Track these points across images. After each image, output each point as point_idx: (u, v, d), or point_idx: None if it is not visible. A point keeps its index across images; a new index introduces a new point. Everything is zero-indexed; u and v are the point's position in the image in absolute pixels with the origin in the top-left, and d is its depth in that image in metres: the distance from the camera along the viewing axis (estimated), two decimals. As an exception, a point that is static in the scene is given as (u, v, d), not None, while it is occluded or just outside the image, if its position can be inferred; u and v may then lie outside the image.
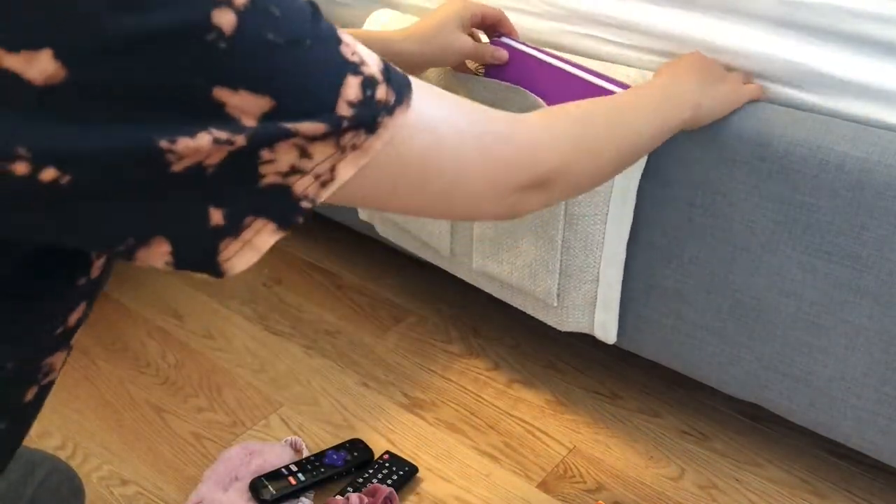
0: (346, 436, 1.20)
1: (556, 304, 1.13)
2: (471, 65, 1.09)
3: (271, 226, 0.51)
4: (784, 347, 0.99)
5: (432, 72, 1.12)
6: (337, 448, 1.16)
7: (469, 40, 0.99)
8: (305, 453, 1.17)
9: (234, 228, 0.50)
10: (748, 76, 0.95)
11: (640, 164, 0.99)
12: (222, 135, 0.46)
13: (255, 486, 1.09)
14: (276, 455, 1.15)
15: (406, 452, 1.17)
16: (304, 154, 0.49)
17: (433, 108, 0.57)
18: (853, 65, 0.90)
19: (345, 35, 0.52)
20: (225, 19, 0.44)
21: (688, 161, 0.97)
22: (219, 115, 0.46)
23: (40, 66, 0.42)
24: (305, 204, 0.52)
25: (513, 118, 0.65)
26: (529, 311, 1.19)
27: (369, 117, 0.51)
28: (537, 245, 1.10)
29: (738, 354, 1.04)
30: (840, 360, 0.96)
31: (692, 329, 1.07)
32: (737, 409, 1.24)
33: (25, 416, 0.61)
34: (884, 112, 0.89)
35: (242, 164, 0.48)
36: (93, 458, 1.18)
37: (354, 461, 1.14)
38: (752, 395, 1.07)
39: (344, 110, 0.50)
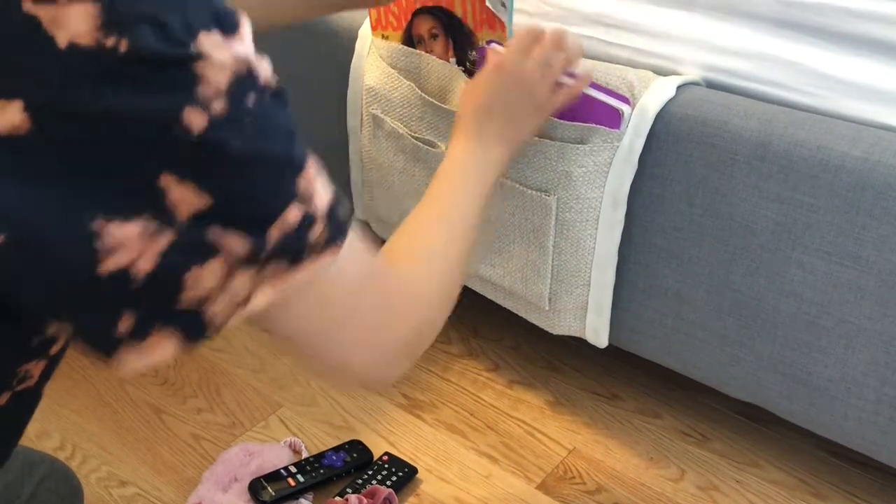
0: (346, 437, 1.19)
1: (547, 308, 1.12)
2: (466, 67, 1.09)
3: (176, 339, 0.50)
4: (784, 348, 0.99)
5: (434, 65, 1.12)
6: (336, 449, 1.16)
7: None
8: (305, 454, 1.16)
9: (140, 335, 0.49)
10: (567, 60, 0.89)
11: (632, 168, 0.99)
12: (152, 226, 0.46)
13: (255, 488, 1.08)
14: (276, 456, 1.15)
15: (405, 453, 1.17)
16: (228, 275, 0.49)
17: (352, 255, 0.58)
18: (853, 65, 0.90)
19: (311, 168, 0.53)
20: (196, 120, 0.45)
21: (687, 161, 0.97)
22: (156, 203, 0.46)
23: (8, 116, 0.42)
24: (215, 325, 0.51)
25: (393, 271, 0.66)
26: (522, 314, 1.19)
27: (296, 250, 0.52)
28: (528, 249, 1.10)
29: (738, 355, 1.04)
30: (840, 361, 0.96)
31: (692, 329, 1.06)
32: (737, 409, 1.24)
33: (3, 423, 0.61)
34: (884, 112, 0.89)
35: (169, 275, 0.47)
36: (92, 459, 1.17)
37: (354, 462, 1.14)
38: (752, 395, 1.07)
39: (274, 235, 0.50)
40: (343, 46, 1.24)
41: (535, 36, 0.88)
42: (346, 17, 1.24)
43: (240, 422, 1.23)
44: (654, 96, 0.97)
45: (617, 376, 1.31)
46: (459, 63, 1.10)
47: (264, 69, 0.49)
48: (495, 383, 1.30)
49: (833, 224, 0.90)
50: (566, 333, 1.15)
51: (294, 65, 1.35)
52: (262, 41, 1.61)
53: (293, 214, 0.51)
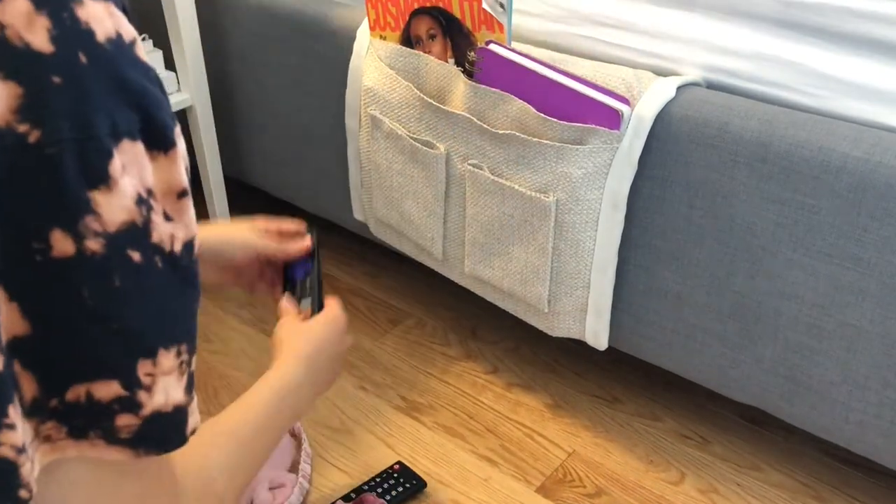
0: (343, 439, 1.19)
1: (547, 310, 1.12)
2: (467, 66, 1.08)
3: None
4: (785, 350, 0.99)
5: (432, 66, 1.11)
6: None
7: (266, 243, 0.93)
8: (304, 442, 1.15)
9: None
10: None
11: (632, 169, 0.99)
12: None
13: None
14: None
15: (403, 456, 1.16)
16: (22, 417, 0.43)
17: (153, 468, 0.51)
18: (854, 65, 0.90)
19: (166, 358, 0.46)
20: (61, 245, 0.40)
21: (687, 162, 0.97)
22: None
23: None
24: (24, 493, 0.43)
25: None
26: (521, 316, 1.18)
27: (84, 426, 0.44)
28: (528, 251, 1.09)
29: (739, 357, 1.03)
30: (841, 364, 0.95)
31: (692, 332, 1.06)
32: (737, 412, 1.23)
33: None
34: (885, 113, 0.89)
35: None
36: (88, 462, 1.17)
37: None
38: (753, 398, 1.06)
39: (71, 396, 0.43)
40: (341, 47, 1.23)
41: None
42: (344, 17, 1.24)
43: (237, 424, 1.23)
44: (653, 97, 0.96)
45: (617, 379, 1.30)
46: (458, 63, 1.09)
47: (164, 228, 0.44)
48: (494, 386, 1.30)
49: (834, 226, 0.89)
50: (565, 336, 1.14)
51: (293, 65, 1.35)
52: (262, 42, 1.59)
53: (109, 389, 0.44)
